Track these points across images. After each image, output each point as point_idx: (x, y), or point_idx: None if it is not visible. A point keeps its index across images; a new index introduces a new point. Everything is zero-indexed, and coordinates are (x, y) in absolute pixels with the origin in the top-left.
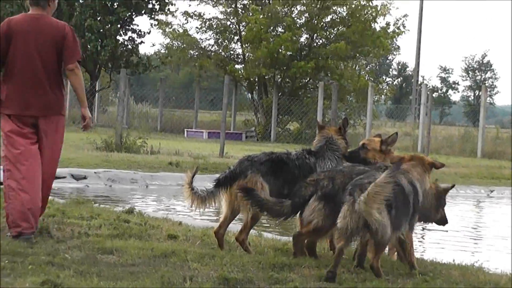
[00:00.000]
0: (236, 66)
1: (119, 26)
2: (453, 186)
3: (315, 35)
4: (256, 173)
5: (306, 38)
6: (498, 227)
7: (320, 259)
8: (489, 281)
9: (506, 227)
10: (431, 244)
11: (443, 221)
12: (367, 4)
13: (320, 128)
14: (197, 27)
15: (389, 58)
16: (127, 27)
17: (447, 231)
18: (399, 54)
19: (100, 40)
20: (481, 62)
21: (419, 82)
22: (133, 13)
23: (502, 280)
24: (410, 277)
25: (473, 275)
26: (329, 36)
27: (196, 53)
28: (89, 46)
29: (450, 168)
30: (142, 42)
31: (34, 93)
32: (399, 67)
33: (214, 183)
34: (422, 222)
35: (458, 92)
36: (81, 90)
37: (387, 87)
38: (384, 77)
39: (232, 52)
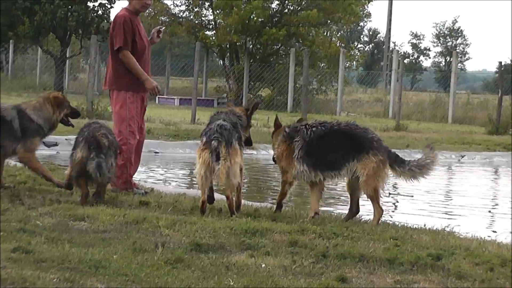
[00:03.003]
0: (207, 32)
1: None
2: None
3: (286, 1)
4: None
5: (278, 4)
6: (469, 193)
7: (292, 225)
8: (459, 245)
9: (477, 192)
10: (403, 209)
11: None
12: None
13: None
14: None
15: (360, 24)
16: None
17: (412, 196)
18: (370, 20)
19: (70, 6)
20: (451, 28)
21: (390, 49)
22: None
23: (473, 244)
24: (381, 241)
25: (443, 240)
26: (300, 3)
27: (167, 19)
28: (58, 13)
29: (421, 134)
30: (112, 7)
31: None
32: (371, 33)
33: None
34: None
35: (429, 58)
36: None
37: (358, 54)
38: (355, 43)
39: (203, 18)
